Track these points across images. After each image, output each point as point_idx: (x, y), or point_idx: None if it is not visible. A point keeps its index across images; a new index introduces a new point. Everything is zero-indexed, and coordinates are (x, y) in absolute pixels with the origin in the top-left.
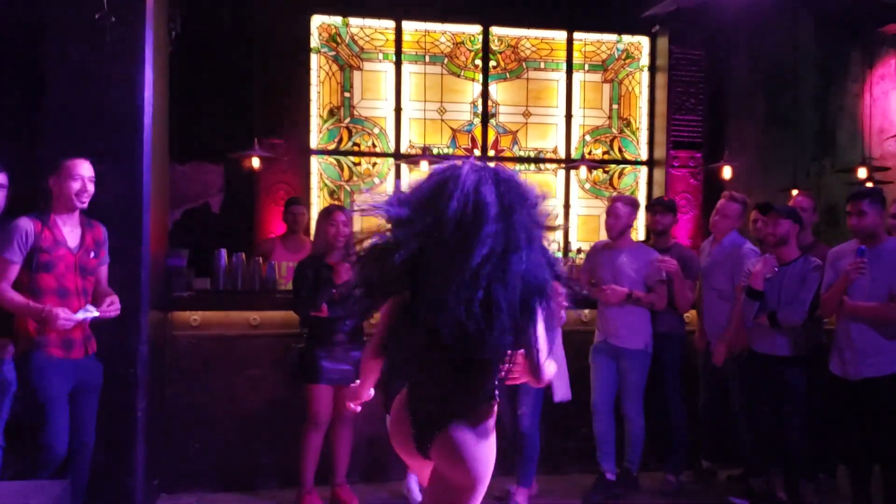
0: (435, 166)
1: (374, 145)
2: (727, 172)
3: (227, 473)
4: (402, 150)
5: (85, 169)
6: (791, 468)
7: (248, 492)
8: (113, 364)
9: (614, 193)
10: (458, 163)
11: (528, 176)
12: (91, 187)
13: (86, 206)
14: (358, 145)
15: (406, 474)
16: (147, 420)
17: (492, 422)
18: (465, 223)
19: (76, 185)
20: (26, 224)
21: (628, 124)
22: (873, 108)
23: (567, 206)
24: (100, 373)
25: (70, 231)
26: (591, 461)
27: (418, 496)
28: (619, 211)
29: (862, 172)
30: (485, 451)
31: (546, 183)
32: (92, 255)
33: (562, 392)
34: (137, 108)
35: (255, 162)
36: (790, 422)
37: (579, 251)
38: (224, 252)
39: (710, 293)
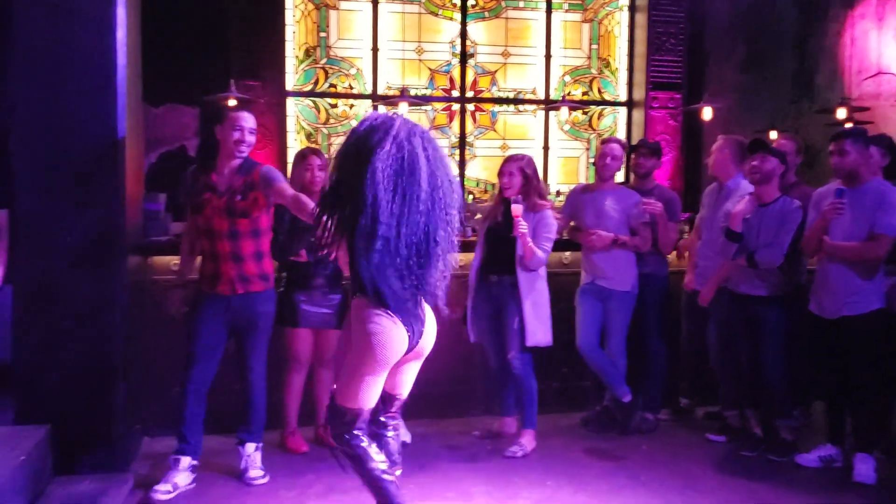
0: (369, 113)
1: (350, 87)
2: (707, 113)
3: (209, 416)
4: (380, 91)
5: (247, 121)
6: (767, 405)
7: (231, 434)
8: (91, 309)
9: (593, 135)
10: (392, 114)
11: (507, 117)
12: (251, 138)
13: (244, 154)
14: (335, 86)
15: None
16: (127, 365)
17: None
18: (396, 169)
19: (236, 135)
20: (188, 172)
21: (608, 65)
22: (853, 48)
23: (546, 147)
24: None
25: (224, 177)
26: (570, 401)
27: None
28: (617, 152)
29: (841, 113)
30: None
31: (525, 125)
32: (239, 197)
33: (539, 336)
34: (110, 47)
35: (232, 104)
36: (767, 360)
37: (559, 193)
38: None
39: (711, 238)
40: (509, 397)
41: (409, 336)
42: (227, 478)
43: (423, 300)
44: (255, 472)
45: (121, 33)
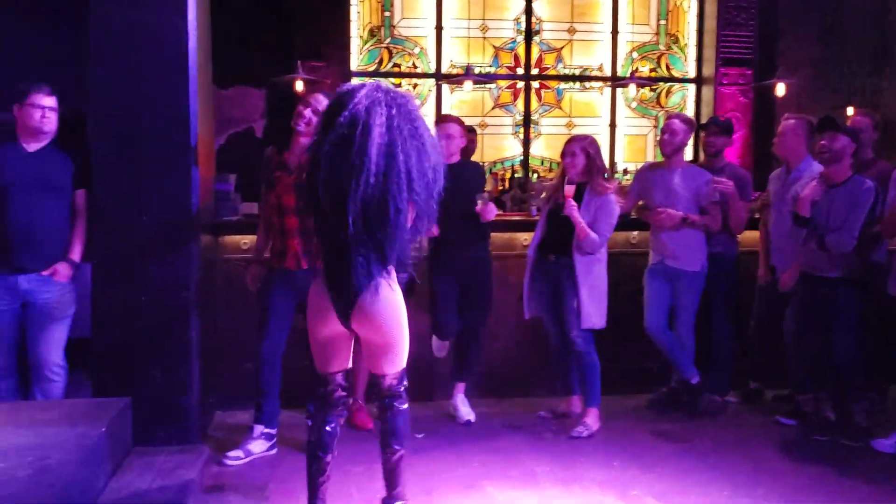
0: (343, 85)
1: (414, 66)
2: (780, 90)
3: (281, 391)
4: (444, 69)
5: (314, 100)
6: (841, 389)
7: (299, 408)
8: (166, 287)
9: (661, 112)
10: (359, 85)
11: (573, 95)
12: (312, 116)
13: (302, 132)
14: (399, 66)
15: (452, 393)
16: (200, 341)
17: (389, 288)
18: (351, 140)
19: (300, 117)
20: (267, 151)
21: (676, 40)
22: None
23: (613, 125)
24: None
25: (295, 155)
26: (637, 383)
27: (464, 415)
28: (675, 127)
29: None
30: (390, 312)
31: (591, 102)
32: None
33: (594, 319)
34: (182, 30)
35: (299, 85)
36: (840, 342)
37: (626, 171)
38: None
39: (783, 220)
40: (573, 376)
41: (334, 302)
42: (299, 452)
43: (374, 270)
44: (234, 452)
45: (192, 16)
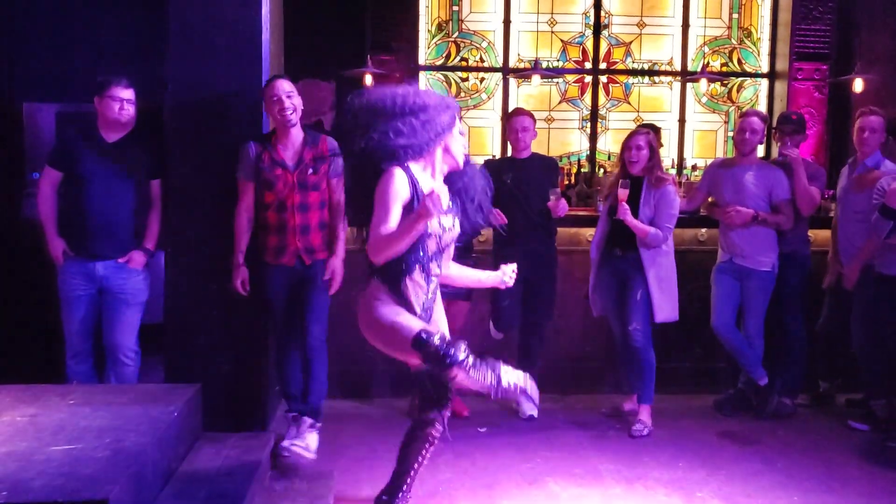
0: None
1: (482, 60)
2: (858, 85)
3: (344, 381)
4: (511, 64)
5: (280, 87)
6: None
7: (363, 399)
8: None
9: (732, 108)
10: None
11: (641, 89)
12: (289, 102)
13: (291, 121)
14: (466, 60)
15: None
16: (270, 330)
17: (373, 296)
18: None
19: (275, 104)
20: (247, 148)
21: (749, 34)
22: None
23: (682, 120)
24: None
25: (291, 151)
26: (704, 383)
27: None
28: (756, 126)
29: None
30: (369, 318)
31: (660, 97)
32: (311, 171)
33: (666, 312)
34: (256, 23)
35: (368, 79)
36: None
37: (695, 168)
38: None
39: (852, 216)
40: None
41: None
42: (359, 441)
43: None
44: (296, 445)
45: (265, 9)
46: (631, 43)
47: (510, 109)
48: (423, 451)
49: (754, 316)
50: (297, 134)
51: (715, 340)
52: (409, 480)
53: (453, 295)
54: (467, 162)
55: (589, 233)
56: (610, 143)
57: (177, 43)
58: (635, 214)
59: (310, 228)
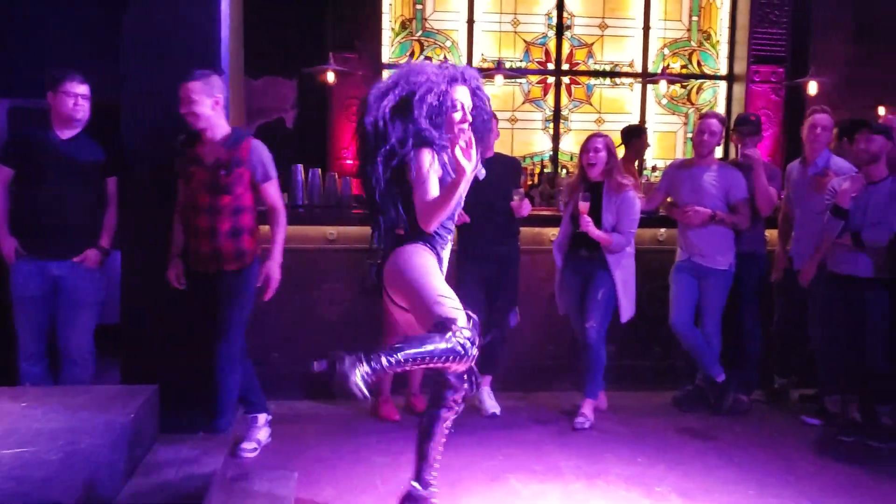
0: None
1: (446, 59)
2: (812, 88)
3: (306, 382)
4: (475, 63)
5: (184, 90)
6: (868, 390)
7: (326, 400)
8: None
9: (692, 109)
10: None
11: (603, 91)
12: (191, 105)
13: (196, 120)
14: (430, 59)
15: (478, 387)
16: None
17: (417, 245)
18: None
19: (183, 105)
20: (178, 142)
21: (708, 37)
22: None
23: (643, 122)
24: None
25: (210, 149)
26: (662, 380)
27: (489, 408)
28: (714, 128)
29: None
30: (398, 268)
31: (621, 98)
32: (223, 172)
33: (629, 312)
34: (214, 20)
35: (330, 76)
36: (870, 344)
37: (654, 168)
38: (300, 167)
39: (804, 215)
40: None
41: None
42: (318, 440)
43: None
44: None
45: (224, 6)
46: (593, 44)
47: None
48: (446, 426)
49: (712, 314)
50: (216, 133)
51: (673, 338)
52: (437, 456)
53: None
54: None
55: (552, 232)
56: (572, 144)
57: (133, 39)
58: (598, 221)
59: (218, 234)
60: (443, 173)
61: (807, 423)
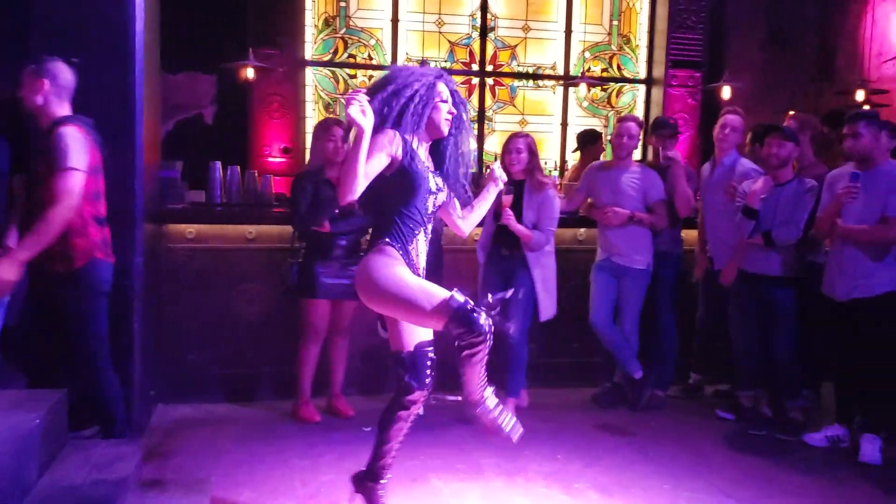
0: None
1: (370, 57)
2: (726, 93)
3: (224, 384)
4: (399, 62)
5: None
6: (777, 386)
7: (245, 402)
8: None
9: (612, 112)
10: None
11: (527, 92)
12: (22, 91)
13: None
14: (354, 57)
15: None
16: (143, 331)
17: (380, 252)
18: None
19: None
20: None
21: (628, 41)
22: (873, 30)
23: (564, 124)
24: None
25: (37, 139)
26: (582, 377)
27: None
28: (633, 131)
29: (860, 95)
30: (365, 274)
31: (544, 100)
32: (39, 163)
33: (549, 310)
34: (128, 13)
35: (250, 72)
36: (778, 340)
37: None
38: (218, 164)
39: (713, 214)
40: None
41: None
42: (241, 444)
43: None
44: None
45: None
46: (516, 46)
47: None
48: (403, 431)
49: (630, 312)
50: (43, 121)
51: (592, 336)
52: (389, 460)
53: (341, 294)
54: (456, 127)
55: (475, 232)
56: (496, 145)
57: (42, 32)
58: (519, 218)
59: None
60: (409, 161)
61: (721, 418)
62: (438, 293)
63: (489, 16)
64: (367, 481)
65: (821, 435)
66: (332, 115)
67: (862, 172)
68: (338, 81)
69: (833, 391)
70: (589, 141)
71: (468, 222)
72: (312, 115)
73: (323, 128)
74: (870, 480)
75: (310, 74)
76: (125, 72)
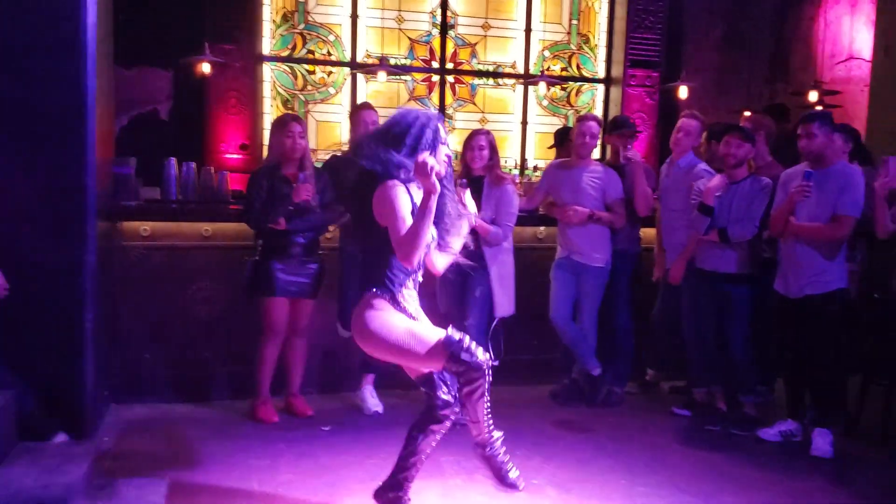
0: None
1: (329, 53)
2: (683, 92)
3: (180, 384)
4: (359, 59)
5: None
6: (732, 382)
7: (202, 402)
8: (59, 274)
9: (571, 111)
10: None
11: (487, 91)
12: None
13: None
14: (312, 53)
15: (360, 385)
16: (95, 330)
17: (375, 307)
18: None
19: None
20: None
21: (587, 41)
22: (826, 32)
23: (524, 122)
24: None
25: None
26: (540, 374)
27: (371, 406)
28: (593, 130)
29: (813, 96)
30: (378, 328)
31: (504, 99)
32: None
33: (505, 307)
34: (80, 4)
35: (206, 67)
36: (733, 337)
37: (535, 168)
38: (174, 161)
39: (668, 214)
40: None
41: None
42: (197, 446)
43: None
44: None
45: None
46: (476, 44)
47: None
48: (433, 443)
49: (589, 309)
50: None
51: (551, 333)
52: (415, 472)
53: (298, 293)
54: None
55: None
56: (457, 143)
57: None
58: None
59: None
60: (413, 206)
61: (676, 414)
62: (431, 336)
63: (449, 13)
64: (392, 492)
65: (774, 430)
66: (290, 111)
67: (815, 172)
68: (296, 77)
69: (785, 386)
70: (566, 137)
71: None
72: (270, 112)
73: (280, 124)
74: (821, 474)
75: (268, 70)
76: (77, 65)
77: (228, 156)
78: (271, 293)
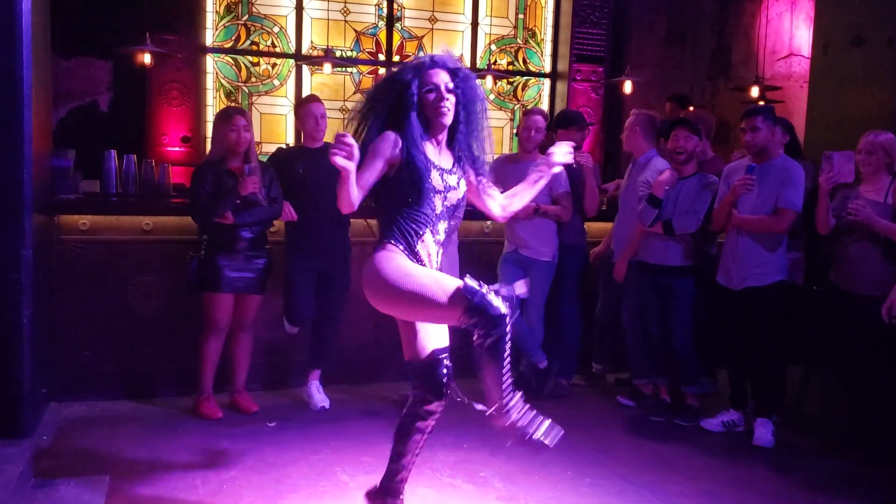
0: None
1: (273, 45)
2: (628, 87)
3: (121, 381)
4: (304, 51)
5: None
6: (675, 373)
7: (144, 399)
8: None
9: (517, 105)
10: None
11: None
12: None
13: None
14: (256, 44)
15: (307, 380)
16: (33, 327)
17: (382, 249)
18: None
19: None
20: None
21: (533, 35)
22: (768, 28)
23: None
24: None
25: None
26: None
27: (318, 402)
28: (539, 124)
29: (754, 91)
30: (369, 271)
31: None
32: None
33: None
34: None
35: (147, 58)
36: (676, 328)
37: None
38: (114, 153)
39: (623, 209)
40: None
41: None
42: (139, 443)
43: None
44: None
45: None
46: (423, 37)
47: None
48: (421, 443)
49: (536, 303)
50: None
51: None
52: (406, 474)
53: (244, 288)
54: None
55: (485, 223)
56: None
57: None
58: None
59: None
60: (408, 156)
61: (622, 405)
62: (450, 282)
63: (395, 6)
64: (385, 498)
65: (717, 420)
66: (233, 104)
67: (757, 165)
68: (240, 69)
69: (728, 377)
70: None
71: (506, 206)
72: (213, 104)
73: (224, 117)
74: (763, 462)
75: (210, 61)
76: (11, 54)
77: (170, 148)
78: (216, 288)
